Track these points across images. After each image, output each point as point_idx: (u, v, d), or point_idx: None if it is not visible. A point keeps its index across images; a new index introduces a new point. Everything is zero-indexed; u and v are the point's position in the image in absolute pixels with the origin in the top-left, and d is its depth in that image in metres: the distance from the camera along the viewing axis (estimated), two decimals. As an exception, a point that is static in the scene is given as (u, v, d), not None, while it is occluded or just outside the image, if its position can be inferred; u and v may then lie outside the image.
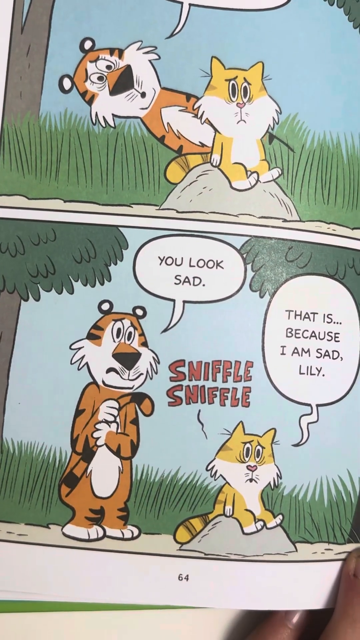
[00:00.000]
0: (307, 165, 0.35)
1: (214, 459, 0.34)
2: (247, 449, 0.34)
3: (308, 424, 0.35)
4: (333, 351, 0.35)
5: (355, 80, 0.36)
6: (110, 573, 0.34)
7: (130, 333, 0.34)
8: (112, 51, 0.35)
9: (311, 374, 0.35)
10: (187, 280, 0.34)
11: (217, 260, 0.34)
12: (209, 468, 0.34)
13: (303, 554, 0.35)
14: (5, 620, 0.36)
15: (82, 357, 0.34)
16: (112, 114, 0.35)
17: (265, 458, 0.34)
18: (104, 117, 0.35)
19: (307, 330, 0.35)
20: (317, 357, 0.35)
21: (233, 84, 0.35)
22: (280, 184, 0.35)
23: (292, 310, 0.35)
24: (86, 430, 0.34)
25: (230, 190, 0.34)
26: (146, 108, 0.35)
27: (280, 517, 0.35)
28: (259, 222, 0.34)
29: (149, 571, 0.34)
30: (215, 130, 0.35)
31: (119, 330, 0.34)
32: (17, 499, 0.34)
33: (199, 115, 0.35)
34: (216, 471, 0.34)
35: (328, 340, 0.35)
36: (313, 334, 0.35)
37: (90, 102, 0.35)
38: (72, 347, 0.34)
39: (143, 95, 0.35)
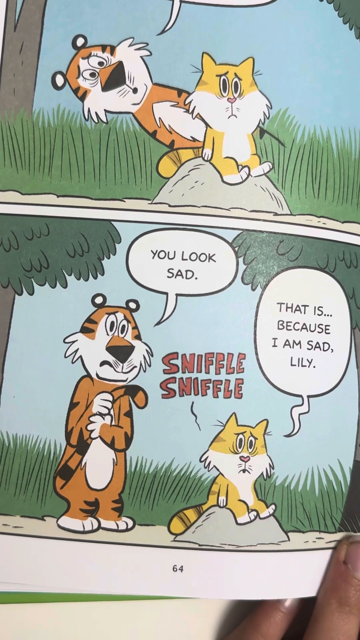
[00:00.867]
0: (298, 160, 0.35)
1: (208, 450, 0.34)
2: (240, 440, 0.34)
3: (299, 414, 0.35)
4: (324, 343, 0.35)
5: (346, 75, 0.36)
6: (105, 564, 0.34)
7: (123, 326, 0.34)
8: (104, 48, 0.35)
9: (302, 366, 0.35)
10: (179, 273, 0.34)
11: (209, 254, 0.35)
12: (202, 459, 0.34)
13: (295, 543, 0.35)
14: (1, 612, 0.36)
15: (76, 351, 0.34)
16: (105, 110, 0.35)
17: (257, 449, 0.35)
18: (96, 113, 0.35)
19: (298, 323, 0.35)
20: (308, 349, 0.35)
21: (224, 80, 0.35)
22: (271, 178, 0.35)
23: (284, 303, 0.35)
24: (80, 422, 0.34)
25: (222, 185, 0.35)
26: (138, 104, 0.35)
27: (273, 507, 0.35)
28: (251, 216, 0.35)
29: (144, 562, 0.34)
30: (207, 125, 0.35)
31: (112, 323, 0.34)
32: (13, 491, 0.34)
33: (190, 111, 0.35)
34: (210, 462, 0.34)
35: (319, 332, 0.35)
36: (304, 326, 0.35)
37: (82, 98, 0.35)
38: (66, 340, 0.34)
39: (135, 91, 0.35)
